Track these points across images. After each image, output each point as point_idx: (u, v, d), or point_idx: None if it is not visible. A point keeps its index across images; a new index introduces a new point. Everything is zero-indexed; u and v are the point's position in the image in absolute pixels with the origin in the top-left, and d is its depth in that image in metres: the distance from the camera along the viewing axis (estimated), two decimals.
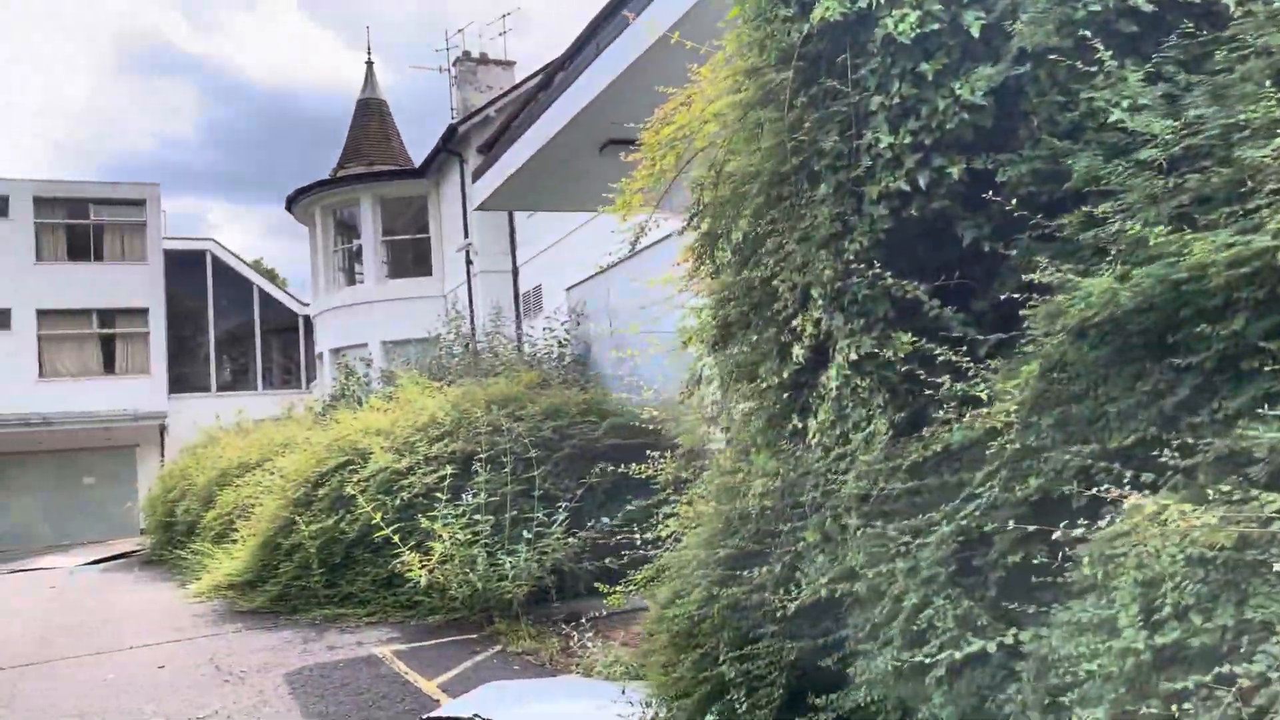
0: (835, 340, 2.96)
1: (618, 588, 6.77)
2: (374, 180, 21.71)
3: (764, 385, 3.30)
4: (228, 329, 33.47)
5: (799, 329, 3.09)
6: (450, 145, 19.31)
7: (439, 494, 9.40)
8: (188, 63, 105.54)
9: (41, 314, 27.76)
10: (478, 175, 10.38)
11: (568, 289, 16.19)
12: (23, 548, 25.81)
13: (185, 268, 31.66)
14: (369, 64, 27.03)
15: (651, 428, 11.41)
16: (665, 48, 6.81)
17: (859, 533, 2.82)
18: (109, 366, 29.06)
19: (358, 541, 10.42)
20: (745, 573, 3.18)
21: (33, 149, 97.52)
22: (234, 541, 12.74)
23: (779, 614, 3.05)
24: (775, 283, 3.25)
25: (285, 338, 34.68)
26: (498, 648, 8.07)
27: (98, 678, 8.00)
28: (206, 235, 33.98)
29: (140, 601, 12.68)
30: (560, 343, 15.51)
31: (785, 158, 3.31)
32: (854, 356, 2.90)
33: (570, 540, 9.00)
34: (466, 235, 19.14)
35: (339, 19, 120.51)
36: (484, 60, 25.30)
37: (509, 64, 25.12)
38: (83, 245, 28.97)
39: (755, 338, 3.42)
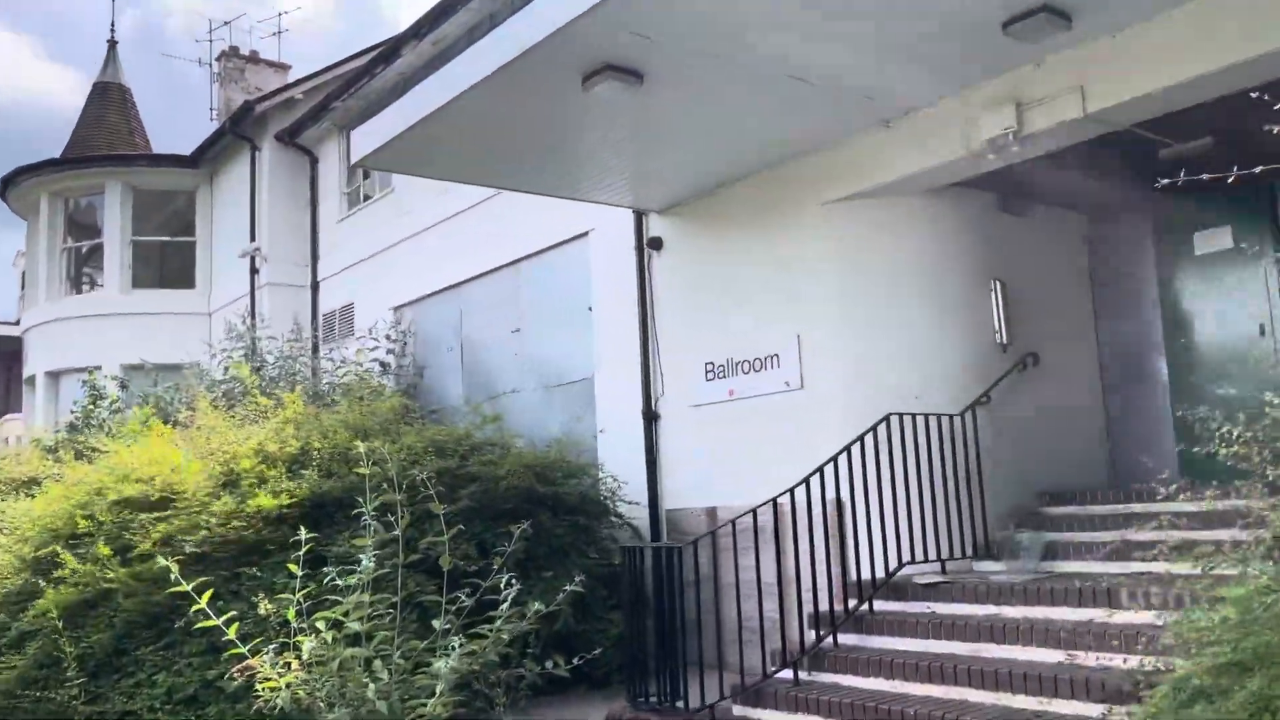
0: None
1: None
2: (127, 164, 17.59)
3: None
4: None
5: None
6: (240, 129, 15.76)
7: (291, 564, 6.27)
8: None
9: None
10: (367, 115, 7.46)
11: (395, 308, 13.17)
12: None
13: None
14: (112, 43, 22.44)
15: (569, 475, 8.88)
16: None
17: None
18: None
19: (143, 628, 7.01)
20: None
21: None
22: None
23: None
24: None
25: None
26: None
27: None
28: None
29: None
30: (384, 367, 12.41)
31: None
32: None
33: (503, 635, 6.15)
34: (254, 239, 15.59)
35: (36, 25, 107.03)
36: (254, 59, 21.92)
37: (284, 67, 21.85)
38: None
39: None
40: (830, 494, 6.47)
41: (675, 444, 8.83)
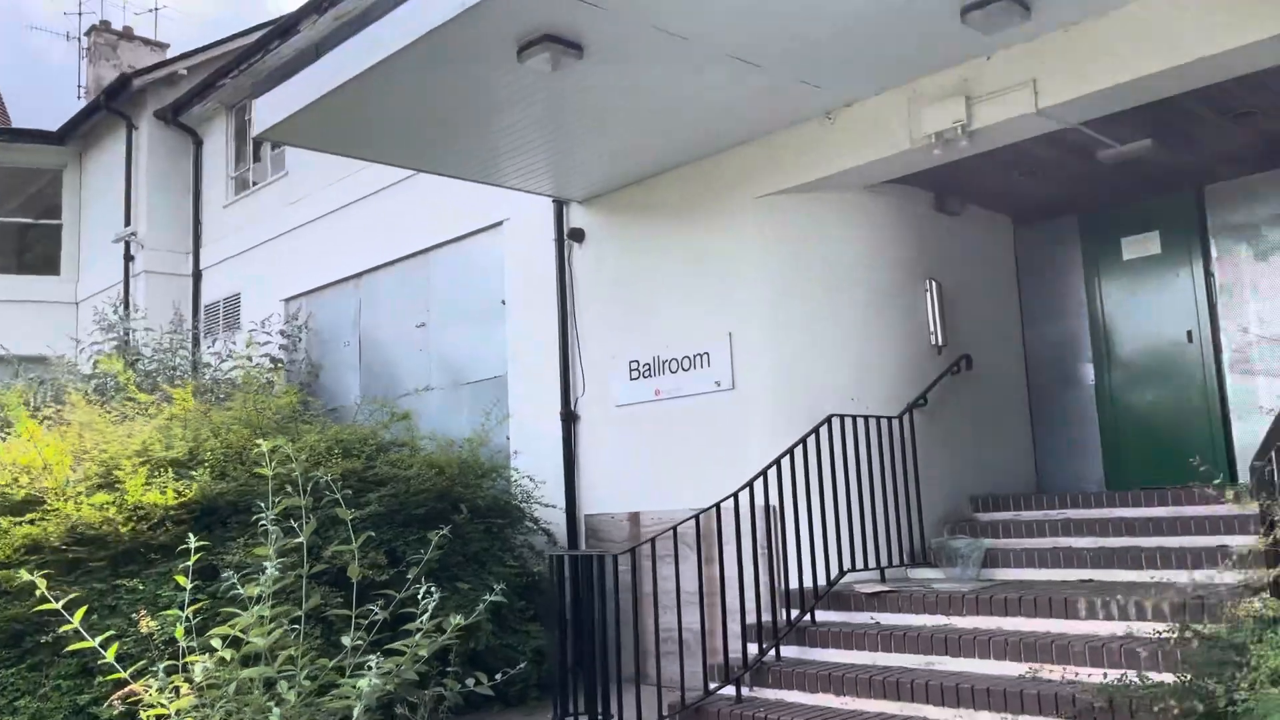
0: None
1: None
2: None
3: None
4: None
5: None
6: (116, 104, 14.63)
7: (179, 575, 5.59)
8: None
9: None
10: (273, 81, 6.81)
11: (287, 299, 12.38)
12: None
13: None
14: None
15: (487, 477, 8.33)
16: None
17: None
18: None
19: (3, 647, 6.21)
20: None
21: None
22: None
23: None
24: None
25: None
26: None
27: None
28: None
29: None
30: (276, 362, 11.60)
31: None
32: None
33: (421, 651, 5.61)
34: (129, 223, 14.49)
35: None
36: (128, 35, 20.67)
37: (161, 45, 20.69)
38: None
39: None
40: (773, 499, 6.15)
41: (596, 446, 8.40)
